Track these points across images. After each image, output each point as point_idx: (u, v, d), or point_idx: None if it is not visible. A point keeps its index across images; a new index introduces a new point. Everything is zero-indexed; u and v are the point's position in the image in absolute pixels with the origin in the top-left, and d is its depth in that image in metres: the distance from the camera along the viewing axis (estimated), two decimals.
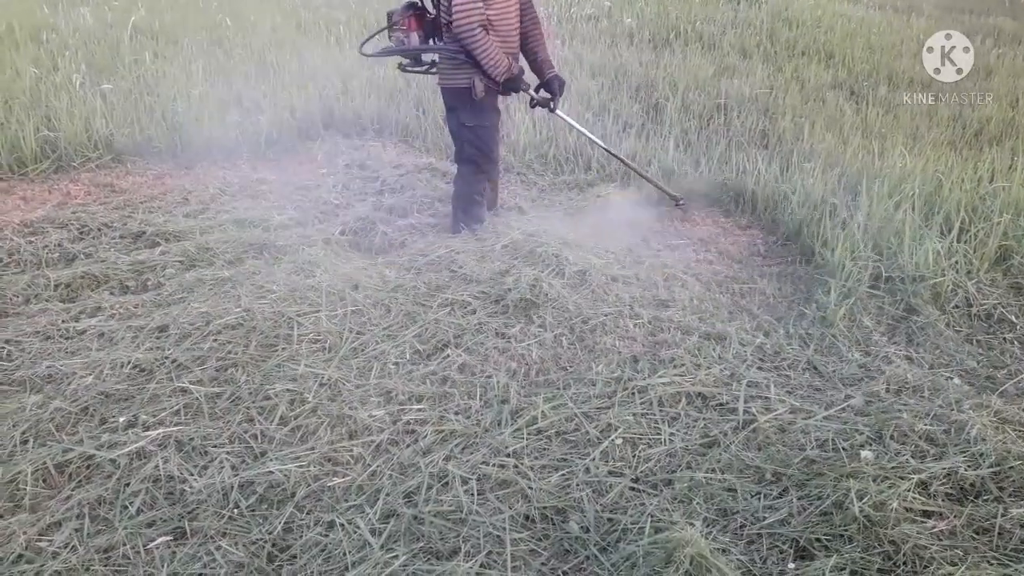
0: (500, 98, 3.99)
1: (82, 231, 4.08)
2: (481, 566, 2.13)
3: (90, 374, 2.83)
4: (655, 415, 2.77)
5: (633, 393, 2.87)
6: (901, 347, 3.32)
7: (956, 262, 3.76)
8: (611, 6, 10.03)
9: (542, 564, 2.18)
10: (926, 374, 3.05)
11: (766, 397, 2.88)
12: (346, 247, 4.08)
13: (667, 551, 2.06)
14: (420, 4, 3.85)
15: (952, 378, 3.06)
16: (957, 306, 3.58)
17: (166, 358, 2.92)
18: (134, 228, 4.12)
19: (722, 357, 3.12)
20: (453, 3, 3.54)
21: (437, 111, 6.16)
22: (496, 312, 3.32)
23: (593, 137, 4.59)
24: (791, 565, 2.14)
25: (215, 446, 2.55)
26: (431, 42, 3.88)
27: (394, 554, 2.16)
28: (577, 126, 4.48)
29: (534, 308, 3.32)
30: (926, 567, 2.08)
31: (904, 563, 2.10)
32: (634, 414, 2.76)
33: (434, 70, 3.96)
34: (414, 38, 3.82)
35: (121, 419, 2.62)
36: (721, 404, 2.84)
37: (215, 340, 3.02)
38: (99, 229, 4.10)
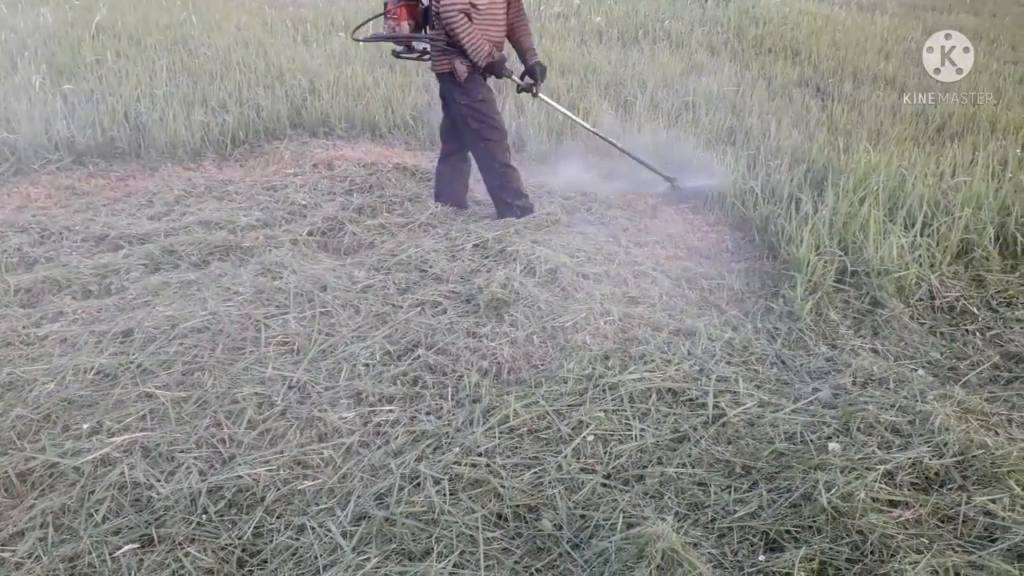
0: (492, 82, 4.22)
1: (43, 235, 3.99)
2: (454, 566, 2.12)
3: (52, 380, 2.77)
4: (626, 411, 2.78)
5: (604, 390, 2.88)
6: (867, 340, 3.37)
7: (919, 256, 3.82)
8: (580, 4, 10.06)
9: (515, 562, 2.18)
10: (891, 366, 3.10)
11: (735, 392, 2.90)
12: (314, 248, 4.04)
13: (639, 546, 2.07)
14: None
15: (917, 370, 3.11)
16: (921, 299, 3.64)
17: (131, 363, 2.87)
18: (97, 231, 4.05)
19: (691, 353, 3.14)
20: None
21: (407, 109, 6.14)
22: (467, 311, 3.31)
23: (580, 120, 4.75)
24: (761, 557, 2.16)
25: (182, 451, 2.51)
26: (423, 31, 4.12)
27: (366, 556, 2.14)
28: (562, 109, 4.67)
29: (505, 307, 3.32)
30: (893, 556, 2.11)
31: (872, 552, 2.13)
32: (605, 411, 2.77)
33: (426, 57, 4.18)
34: (404, 27, 4.10)
35: (85, 426, 2.57)
36: (691, 399, 2.86)
37: (181, 344, 2.97)
38: (60, 232, 4.02)
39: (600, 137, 4.77)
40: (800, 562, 2.10)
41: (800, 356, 3.22)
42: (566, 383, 2.92)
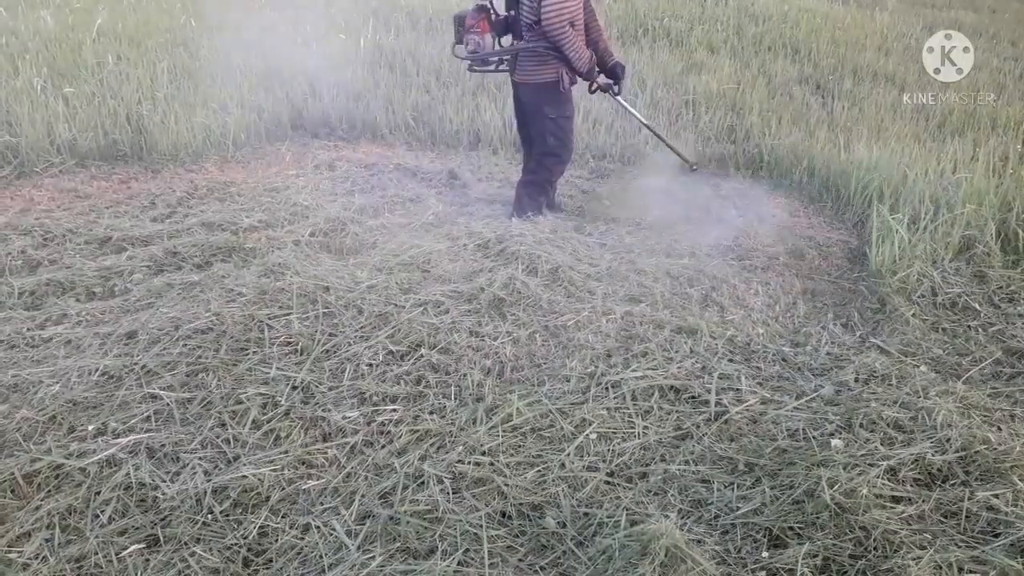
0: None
1: (46, 237, 4.00)
2: (459, 564, 2.13)
3: (57, 382, 2.78)
4: (629, 409, 2.78)
5: (607, 388, 2.89)
6: (870, 336, 3.37)
7: (922, 252, 3.83)
8: None
9: (519, 560, 2.18)
10: (894, 363, 3.10)
11: (737, 389, 2.91)
12: (317, 248, 4.05)
13: (643, 543, 2.08)
14: (489, 6, 4.10)
15: (919, 366, 3.12)
16: (923, 295, 3.65)
17: (135, 364, 2.88)
18: (100, 233, 4.06)
19: (693, 350, 3.15)
20: (544, 3, 3.80)
21: (407, 110, 6.14)
22: (470, 311, 3.32)
23: (636, 113, 4.80)
24: (765, 553, 2.17)
25: (187, 452, 2.52)
26: (500, 41, 4.15)
27: (371, 555, 2.15)
28: (632, 110, 4.70)
29: (507, 306, 3.32)
30: (896, 551, 2.11)
31: (875, 548, 2.13)
32: (608, 409, 2.77)
33: (503, 67, 4.20)
34: (487, 39, 4.10)
35: (90, 427, 2.58)
36: (693, 397, 2.87)
37: (185, 345, 2.98)
38: (64, 235, 4.03)
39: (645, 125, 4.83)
40: (803, 558, 2.10)
41: (802, 353, 3.22)
42: (568, 381, 2.93)
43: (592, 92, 4.33)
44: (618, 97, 4.34)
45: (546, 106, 4.14)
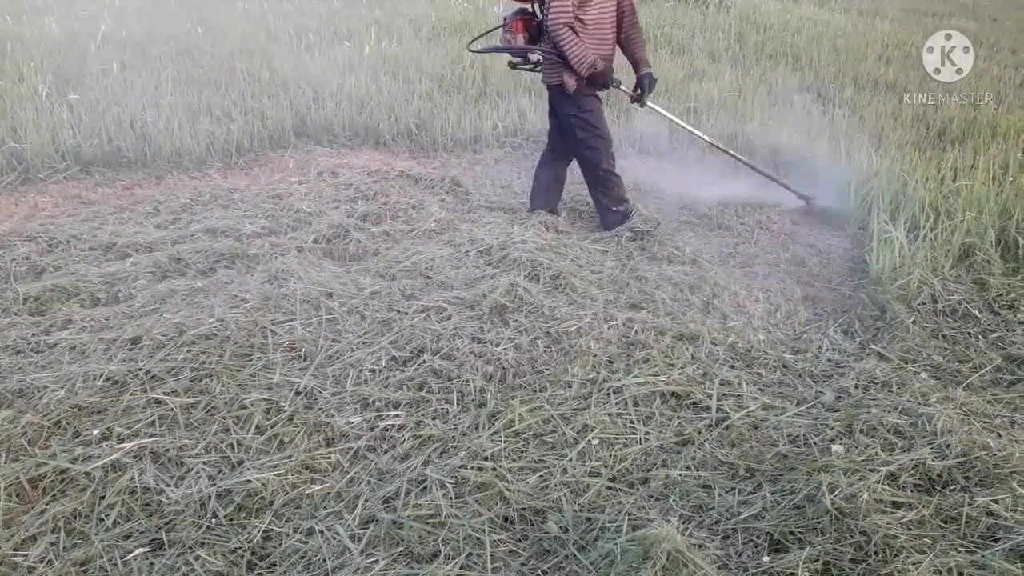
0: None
1: (51, 243, 4.03)
2: (461, 568, 2.14)
3: (62, 387, 2.80)
4: (630, 415, 2.80)
5: (608, 394, 2.90)
6: (870, 343, 3.38)
7: (922, 259, 3.84)
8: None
9: (522, 564, 2.20)
10: (894, 369, 3.12)
11: (738, 395, 2.92)
12: (320, 255, 4.07)
13: (644, 548, 2.09)
14: (530, 9, 4.29)
15: (919, 372, 3.13)
16: (923, 303, 3.65)
17: (139, 370, 2.90)
18: (104, 240, 4.08)
19: (695, 357, 3.16)
20: (548, 6, 3.97)
21: (410, 117, 6.17)
22: (472, 317, 3.34)
23: (697, 131, 4.81)
24: (766, 558, 2.18)
25: (191, 456, 2.53)
26: (538, 44, 4.29)
27: (374, 559, 2.16)
28: (676, 120, 4.71)
29: (510, 312, 3.34)
30: (896, 556, 2.12)
31: (875, 553, 2.14)
32: (610, 414, 2.79)
33: (539, 68, 4.36)
34: (519, 39, 4.30)
35: (95, 432, 2.60)
36: (695, 403, 2.89)
37: (189, 351, 3.00)
38: (68, 241, 4.05)
39: (721, 149, 4.89)
40: (804, 563, 2.11)
41: (803, 359, 3.23)
42: (570, 387, 2.94)
43: (632, 103, 4.40)
44: (651, 104, 4.39)
45: (565, 105, 4.26)
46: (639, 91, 4.31)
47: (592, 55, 4.02)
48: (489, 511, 2.35)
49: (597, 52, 4.08)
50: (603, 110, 4.45)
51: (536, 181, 4.68)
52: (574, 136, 4.31)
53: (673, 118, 4.74)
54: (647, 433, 2.71)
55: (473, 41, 4.87)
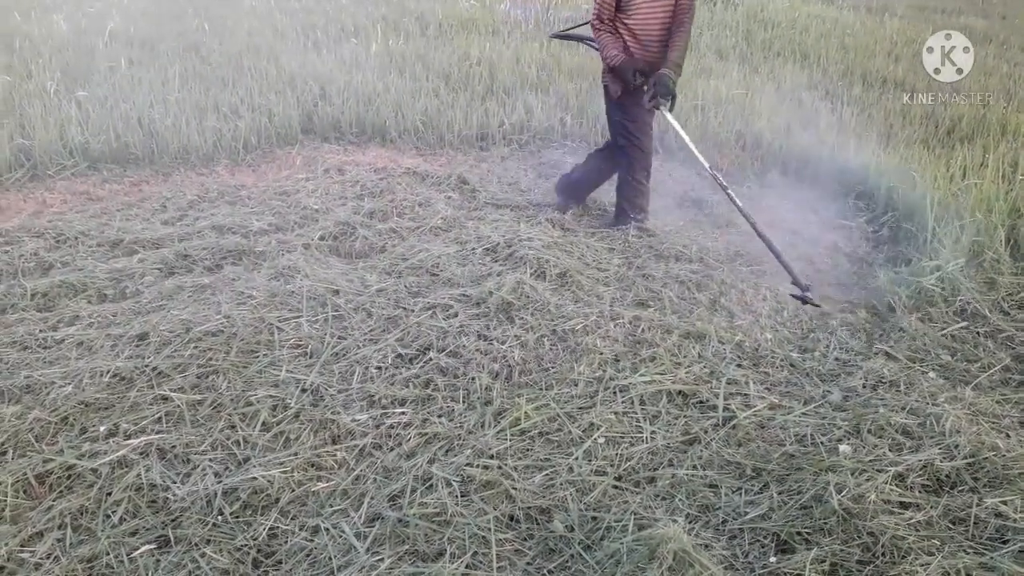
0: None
1: (59, 240, 4.04)
2: (467, 567, 2.14)
3: (69, 383, 2.81)
4: (637, 414, 2.79)
5: (615, 392, 2.90)
6: (877, 343, 3.36)
7: (931, 258, 3.82)
8: (589, 9, 10.06)
9: (527, 563, 2.19)
10: (902, 368, 3.10)
11: (745, 394, 2.91)
12: (326, 252, 4.07)
13: (650, 547, 2.08)
14: None
15: (927, 372, 3.11)
16: (931, 301, 3.63)
17: (146, 366, 2.91)
18: (111, 236, 4.09)
19: (702, 355, 3.15)
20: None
21: (416, 114, 6.17)
22: (478, 315, 3.33)
23: (712, 171, 4.05)
24: (772, 558, 2.17)
25: (198, 453, 2.54)
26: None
27: (380, 557, 2.16)
28: (690, 145, 4.12)
29: (516, 310, 3.34)
30: (904, 557, 2.11)
31: (883, 554, 2.14)
32: (616, 413, 2.78)
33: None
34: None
35: (102, 428, 2.60)
36: (701, 401, 2.88)
37: (195, 347, 3.00)
38: (76, 237, 4.06)
39: (729, 197, 3.97)
40: (811, 563, 2.10)
41: (810, 358, 3.22)
42: (576, 385, 2.94)
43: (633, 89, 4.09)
44: (665, 113, 4.02)
45: (613, 110, 4.29)
46: (653, 89, 4.03)
47: (617, 52, 4.03)
48: (495, 509, 2.35)
49: (642, 55, 4.08)
50: (652, 124, 4.37)
51: (584, 166, 4.69)
52: (615, 139, 4.35)
53: (685, 135, 4.14)
54: (653, 432, 2.71)
55: (560, 31, 4.91)
